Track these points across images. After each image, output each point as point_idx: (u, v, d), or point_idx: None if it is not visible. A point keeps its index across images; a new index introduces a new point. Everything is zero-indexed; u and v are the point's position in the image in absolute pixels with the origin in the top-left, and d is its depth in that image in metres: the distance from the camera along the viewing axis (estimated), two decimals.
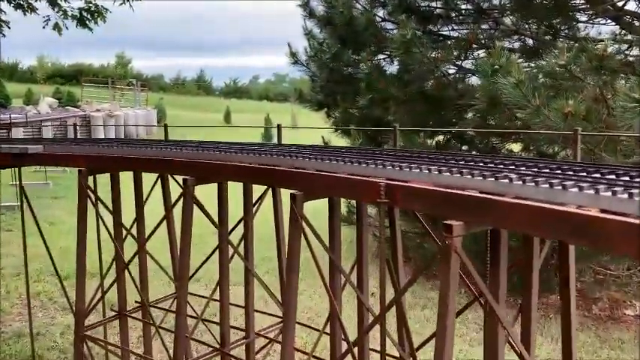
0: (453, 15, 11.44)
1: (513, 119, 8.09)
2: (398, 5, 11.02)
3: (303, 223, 3.67)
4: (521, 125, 7.93)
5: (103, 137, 27.65)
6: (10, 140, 6.66)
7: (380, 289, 3.25)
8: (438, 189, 2.85)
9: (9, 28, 10.38)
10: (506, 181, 2.66)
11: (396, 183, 3.08)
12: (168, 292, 9.01)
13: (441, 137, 11.42)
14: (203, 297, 6.15)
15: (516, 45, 10.97)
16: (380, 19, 11.97)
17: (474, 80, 10.70)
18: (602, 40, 8.86)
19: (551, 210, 2.32)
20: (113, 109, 30.15)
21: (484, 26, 11.42)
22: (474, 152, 10.87)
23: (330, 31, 12.10)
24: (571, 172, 2.76)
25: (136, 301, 6.16)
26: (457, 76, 10.85)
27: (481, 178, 2.77)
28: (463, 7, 11.35)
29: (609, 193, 2.26)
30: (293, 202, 3.68)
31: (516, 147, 10.92)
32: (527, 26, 10.63)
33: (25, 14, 10.85)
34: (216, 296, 5.41)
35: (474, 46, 10.79)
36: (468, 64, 11.10)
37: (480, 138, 11.18)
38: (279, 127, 5.26)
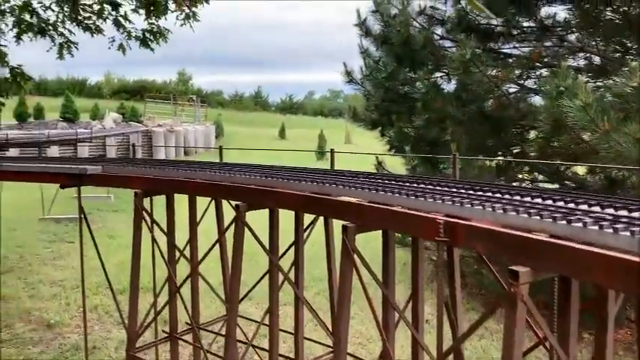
0: (515, 33, 11.08)
1: (579, 142, 7.68)
2: (457, 23, 10.76)
3: (355, 257, 3.53)
4: (588, 149, 7.51)
5: (164, 151, 28.47)
6: (73, 160, 6.87)
7: (437, 337, 3.04)
8: (503, 230, 2.64)
9: (77, 49, 10.82)
10: (580, 225, 2.42)
11: (457, 221, 2.89)
12: (220, 309, 9.04)
13: (500, 159, 11.01)
14: (253, 321, 6.08)
15: (582, 63, 10.48)
16: (438, 37, 11.75)
17: (537, 100, 10.28)
18: None
19: (634, 263, 2.07)
20: (174, 125, 31.05)
21: (547, 43, 10.99)
22: (539, 176, 10.42)
23: (387, 50, 11.96)
24: None
25: (186, 323, 6.16)
26: (518, 95, 10.46)
27: (551, 220, 2.54)
28: (525, 24, 10.97)
29: None
30: (345, 235, 3.54)
31: (581, 170, 10.38)
32: (594, 43, 10.15)
33: (92, 36, 11.32)
34: (267, 320, 5.33)
35: (537, 64, 10.39)
36: (530, 82, 10.70)
37: (543, 159, 10.70)
38: (332, 151, 5.15)
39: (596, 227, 2.35)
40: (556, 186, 10.84)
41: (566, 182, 10.66)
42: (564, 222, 2.48)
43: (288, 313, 8.53)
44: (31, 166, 6.29)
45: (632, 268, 2.07)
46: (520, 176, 11.00)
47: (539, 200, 3.03)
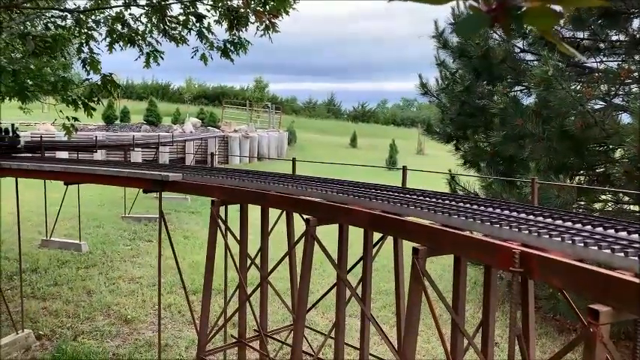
0: (603, 46, 10.57)
1: None
2: (539, 37, 10.39)
3: (426, 281, 3.49)
4: None
5: (238, 157, 29.30)
6: (156, 165, 7.22)
7: None
8: (582, 265, 2.54)
9: (162, 58, 11.37)
10: None
11: (533, 252, 2.80)
12: (287, 316, 9.19)
13: (582, 178, 10.51)
14: (320, 333, 6.13)
15: None
16: (519, 50, 11.41)
17: (625, 118, 9.74)
18: None
19: None
20: (249, 131, 31.92)
21: (638, 58, 10.39)
22: (624, 197, 9.84)
23: (464, 62, 11.75)
24: None
25: (254, 329, 6.31)
26: (604, 112, 9.95)
27: (637, 258, 2.41)
28: (614, 37, 10.44)
29: None
30: (415, 258, 3.52)
31: None
32: None
33: (177, 46, 11.89)
34: (333, 333, 5.36)
35: (627, 80, 9.84)
36: (618, 99, 10.14)
37: (629, 180, 10.10)
38: (404, 168, 5.12)
39: None
40: None
41: None
42: None
43: (354, 325, 8.54)
44: (119, 170, 6.68)
45: None
46: (603, 197, 10.43)
47: (624, 234, 2.88)
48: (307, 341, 5.96)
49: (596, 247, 2.60)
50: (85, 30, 10.88)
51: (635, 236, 2.82)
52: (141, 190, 7.94)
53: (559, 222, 3.21)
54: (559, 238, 2.79)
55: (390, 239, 5.22)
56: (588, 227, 3.06)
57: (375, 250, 5.19)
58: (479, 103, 11.22)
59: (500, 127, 10.10)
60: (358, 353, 5.56)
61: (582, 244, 2.66)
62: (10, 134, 9.68)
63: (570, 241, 2.72)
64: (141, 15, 11.44)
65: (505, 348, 7.90)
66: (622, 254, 2.48)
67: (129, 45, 11.47)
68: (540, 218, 3.32)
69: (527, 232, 2.97)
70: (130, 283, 11.37)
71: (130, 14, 11.48)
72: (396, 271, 5.13)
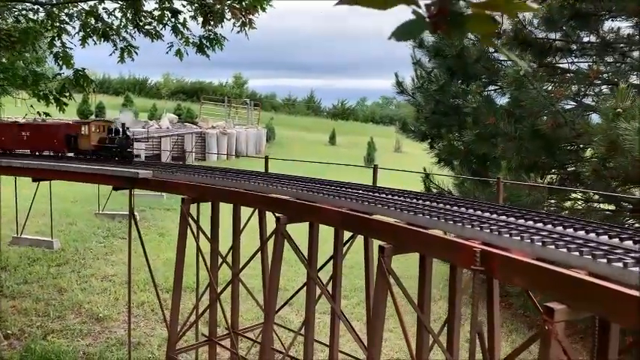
0: (574, 47, 10.74)
1: (637, 164, 7.37)
2: (513, 38, 10.53)
3: (391, 278, 3.52)
4: None
5: (216, 153, 29.11)
6: (125, 163, 7.14)
7: None
8: (540, 264, 2.59)
9: (137, 54, 11.21)
10: (620, 265, 2.35)
11: (494, 251, 2.85)
12: (260, 314, 9.18)
13: (554, 177, 10.69)
14: (291, 330, 6.14)
15: None
16: (493, 50, 11.53)
17: (595, 118, 9.92)
18: None
19: None
20: (227, 127, 31.71)
21: (609, 59, 10.59)
22: (594, 196, 10.03)
23: (439, 62, 11.84)
24: None
25: (226, 328, 6.29)
26: (575, 112, 10.13)
27: (591, 257, 2.47)
28: (586, 39, 10.61)
29: None
30: (381, 255, 3.55)
31: (638, 192, 9.94)
32: None
33: (152, 41, 11.74)
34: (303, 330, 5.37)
35: (597, 81, 10.03)
36: (589, 99, 10.33)
37: (597, 179, 10.30)
38: (375, 167, 5.15)
39: (638, 268, 2.27)
40: (612, 207, 10.43)
41: (623, 204, 10.24)
42: (604, 260, 2.41)
43: (328, 322, 8.57)
44: (88, 167, 6.59)
45: None
46: (574, 196, 10.62)
47: (582, 233, 2.94)
48: (279, 339, 5.97)
49: (553, 247, 2.66)
50: (58, 24, 10.68)
51: (592, 235, 2.89)
52: None
53: (521, 221, 3.27)
54: (519, 237, 2.84)
55: (361, 237, 5.25)
56: (549, 226, 3.12)
57: (345, 249, 5.21)
58: (453, 102, 11.33)
59: (473, 126, 10.22)
60: (329, 350, 5.58)
61: (540, 244, 2.71)
62: (121, 135, 7.47)
63: (529, 240, 2.78)
64: (115, 9, 11.26)
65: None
66: (577, 253, 2.53)
67: (102, 40, 11.27)
68: (503, 217, 3.38)
69: (488, 231, 3.02)
70: (103, 281, 11.23)
71: (103, 8, 11.28)
72: (366, 269, 5.17)
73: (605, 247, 2.59)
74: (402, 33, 1.13)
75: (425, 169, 12.50)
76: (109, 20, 11.27)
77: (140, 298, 10.33)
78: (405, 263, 5.52)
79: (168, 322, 5.87)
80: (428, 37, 12.03)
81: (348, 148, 38.37)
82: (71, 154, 7.91)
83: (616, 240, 2.77)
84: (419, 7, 1.12)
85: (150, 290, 10.81)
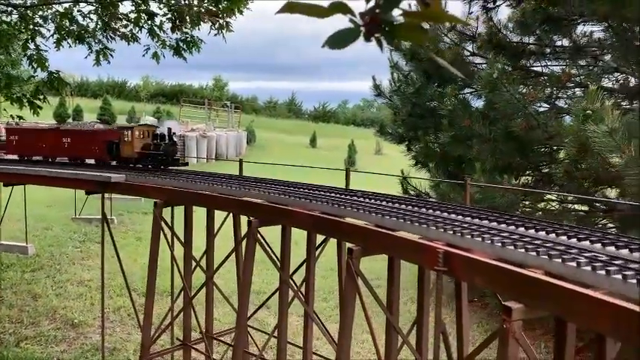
0: (547, 51, 10.93)
1: (607, 166, 7.52)
2: (488, 41, 10.68)
3: (360, 280, 3.56)
4: (615, 173, 7.35)
5: (195, 156, 28.94)
6: (99, 166, 7.08)
7: None
8: (498, 264, 2.64)
9: (112, 56, 11.11)
10: (574, 264, 2.41)
11: (455, 251, 2.90)
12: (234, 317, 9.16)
13: (528, 178, 10.85)
14: (264, 332, 6.14)
15: (619, 81, 10.23)
16: (468, 53, 11.67)
17: (568, 120, 10.10)
18: None
19: (621, 308, 2.05)
20: (207, 130, 31.55)
21: (582, 62, 10.78)
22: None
23: (415, 65, 11.95)
24: None
25: (200, 332, 6.27)
26: (548, 114, 10.30)
27: (547, 257, 2.53)
28: (559, 43, 10.80)
29: None
30: (350, 257, 3.58)
31: (612, 193, 10.13)
32: (630, 64, 9.91)
33: (129, 44, 11.65)
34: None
35: (569, 84, 10.21)
36: (562, 102, 10.51)
37: (569, 180, 10.48)
38: (347, 170, 5.19)
39: (589, 268, 2.34)
40: (585, 208, 10.62)
41: (596, 204, 10.43)
42: (559, 260, 2.47)
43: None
44: (60, 171, 6.53)
45: (620, 312, 2.05)
46: (548, 197, 10.79)
47: (542, 234, 3.01)
48: (255, 343, 5.97)
49: (512, 247, 2.71)
50: (32, 26, 10.54)
51: (552, 236, 2.95)
52: None
53: (485, 222, 3.33)
54: (480, 238, 2.89)
55: (334, 239, 5.28)
56: (511, 227, 3.18)
57: (318, 252, 5.23)
58: (429, 105, 11.44)
59: (448, 129, 10.33)
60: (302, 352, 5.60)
61: (500, 244, 2.77)
62: (167, 140, 6.95)
63: (490, 241, 2.83)
64: (90, 12, 11.15)
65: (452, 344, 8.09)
66: (534, 253, 2.59)
67: (77, 42, 11.15)
68: (468, 219, 3.43)
69: (452, 232, 3.07)
70: (79, 287, 11.09)
71: (78, 11, 11.16)
72: (339, 271, 5.20)
73: (562, 247, 2.65)
74: (336, 41, 1.17)
75: (403, 172, 12.60)
76: (84, 23, 11.16)
77: (117, 303, 10.23)
78: (384, 265, 5.54)
79: (142, 326, 5.83)
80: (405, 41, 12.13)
81: (328, 151, 38.45)
82: (114, 163, 7.21)
83: (574, 240, 2.84)
84: (354, 16, 1.15)
85: (127, 295, 10.71)
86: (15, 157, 8.34)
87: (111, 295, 10.43)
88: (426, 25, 1.13)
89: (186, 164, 7.07)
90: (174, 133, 7.06)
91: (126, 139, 6.99)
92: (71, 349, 8.44)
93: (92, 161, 7.57)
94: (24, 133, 8.73)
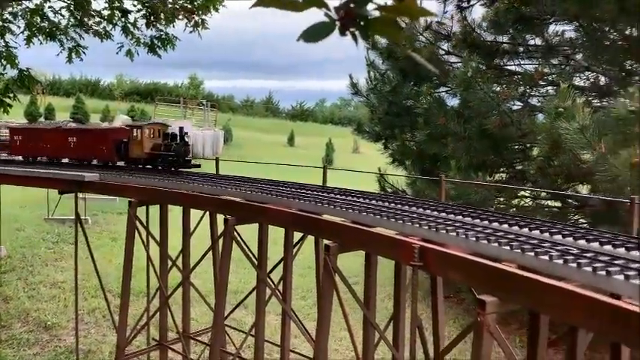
0: (521, 50, 11.09)
1: (578, 163, 7.67)
2: (462, 40, 10.79)
3: (337, 277, 3.57)
4: (586, 170, 7.51)
5: None
6: (72, 166, 6.95)
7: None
8: (472, 258, 2.68)
9: (85, 54, 10.92)
10: (547, 257, 2.45)
11: (430, 246, 2.93)
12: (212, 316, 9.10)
13: (503, 175, 11.01)
14: (241, 331, 6.12)
15: (590, 80, 10.44)
16: (444, 52, 11.78)
17: (541, 118, 10.27)
18: None
19: (593, 300, 2.10)
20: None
21: (554, 61, 10.97)
22: (542, 193, 10.38)
23: (392, 63, 12.02)
24: (624, 250, 2.51)
25: (177, 332, 6.22)
26: (521, 112, 10.46)
27: (519, 251, 2.57)
28: (532, 42, 10.98)
29: None
30: (327, 254, 3.59)
31: (584, 189, 10.34)
32: (600, 63, 10.12)
33: (102, 41, 11.46)
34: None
35: (542, 82, 10.39)
36: (535, 100, 10.69)
37: (542, 177, 10.67)
38: (324, 168, 5.20)
39: (561, 261, 2.38)
40: (558, 204, 10.83)
41: (569, 200, 10.64)
42: (532, 253, 2.51)
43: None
44: (31, 170, 6.40)
45: (592, 304, 2.10)
46: (522, 193, 10.96)
47: (515, 229, 3.06)
48: (232, 342, 5.94)
49: (485, 241, 2.75)
50: (1, 22, 10.30)
51: (525, 230, 3.00)
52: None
53: (459, 217, 3.37)
54: (454, 233, 2.92)
55: (311, 238, 5.28)
56: (485, 222, 3.23)
57: (296, 250, 5.23)
58: (405, 103, 11.52)
59: (424, 127, 10.42)
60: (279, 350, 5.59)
61: (474, 239, 2.80)
62: (178, 141, 6.54)
63: (464, 236, 2.87)
64: (61, 8, 10.93)
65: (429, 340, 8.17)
66: (508, 247, 2.63)
67: (49, 39, 10.93)
68: (443, 214, 3.47)
69: (427, 227, 3.10)
70: (52, 288, 10.89)
71: (49, 7, 10.93)
72: (317, 268, 5.21)
73: (535, 241, 2.70)
74: (311, 34, 1.17)
75: (380, 169, 12.66)
76: (56, 19, 10.94)
77: (91, 305, 10.08)
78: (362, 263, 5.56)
79: (117, 327, 5.76)
80: (382, 39, 12.21)
81: (306, 149, 38.45)
82: (121, 163, 6.78)
83: (546, 234, 2.89)
84: (329, 10, 1.15)
85: (101, 296, 10.56)
86: (20, 158, 7.99)
87: (85, 297, 10.27)
88: (401, 23, 1.14)
89: (199, 166, 6.57)
90: (186, 133, 6.65)
91: (135, 138, 6.57)
92: (44, 351, 8.28)
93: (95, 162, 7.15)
94: (28, 133, 8.36)
